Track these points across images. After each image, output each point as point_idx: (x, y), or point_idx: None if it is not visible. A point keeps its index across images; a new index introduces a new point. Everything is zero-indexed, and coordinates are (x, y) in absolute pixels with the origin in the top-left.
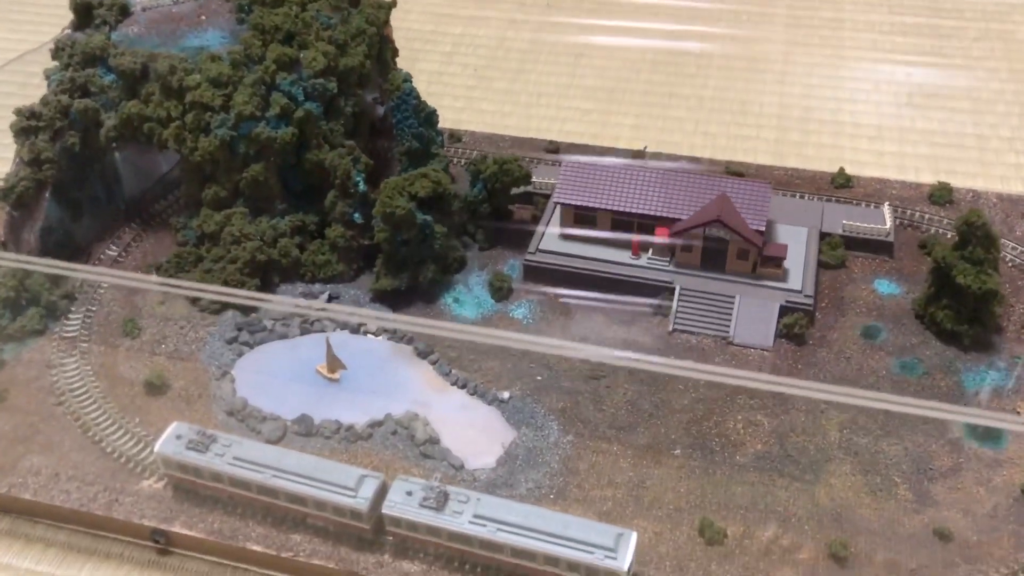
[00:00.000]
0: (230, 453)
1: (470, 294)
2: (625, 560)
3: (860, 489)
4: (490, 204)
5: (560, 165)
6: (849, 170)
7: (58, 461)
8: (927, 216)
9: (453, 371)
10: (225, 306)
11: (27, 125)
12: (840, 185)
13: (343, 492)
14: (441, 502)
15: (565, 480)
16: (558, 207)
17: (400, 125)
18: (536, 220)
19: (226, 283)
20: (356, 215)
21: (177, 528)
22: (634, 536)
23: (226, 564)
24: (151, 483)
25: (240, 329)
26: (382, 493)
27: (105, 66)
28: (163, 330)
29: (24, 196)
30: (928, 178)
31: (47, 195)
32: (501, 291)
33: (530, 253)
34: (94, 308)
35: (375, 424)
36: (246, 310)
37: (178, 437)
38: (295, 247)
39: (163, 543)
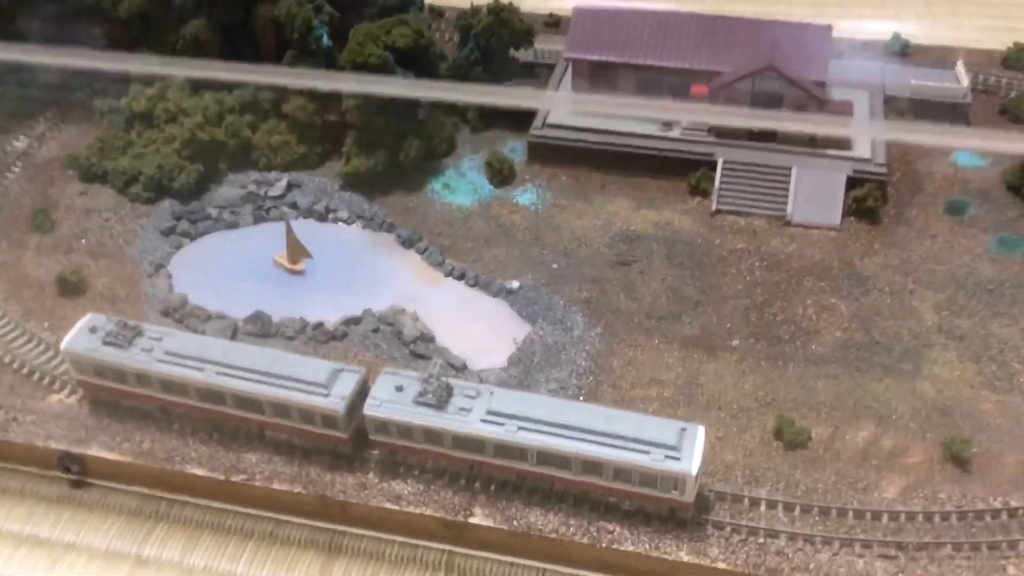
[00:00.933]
0: (160, 348)
1: (463, 179)
2: (692, 461)
3: (972, 379)
4: (484, 68)
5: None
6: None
7: None
8: (1004, 80)
9: (447, 261)
10: (160, 193)
11: None
12: (898, 52)
13: (312, 390)
14: (443, 398)
15: (596, 379)
16: (569, 67)
17: None
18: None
19: (160, 168)
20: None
21: (94, 451)
22: (701, 431)
23: (159, 496)
24: (60, 397)
25: (179, 218)
26: (363, 391)
27: None
28: (83, 223)
29: None
30: (995, 44)
31: None
32: (501, 174)
33: (535, 128)
34: None
35: (351, 321)
36: (186, 197)
37: (92, 331)
38: (246, 127)
39: (76, 472)
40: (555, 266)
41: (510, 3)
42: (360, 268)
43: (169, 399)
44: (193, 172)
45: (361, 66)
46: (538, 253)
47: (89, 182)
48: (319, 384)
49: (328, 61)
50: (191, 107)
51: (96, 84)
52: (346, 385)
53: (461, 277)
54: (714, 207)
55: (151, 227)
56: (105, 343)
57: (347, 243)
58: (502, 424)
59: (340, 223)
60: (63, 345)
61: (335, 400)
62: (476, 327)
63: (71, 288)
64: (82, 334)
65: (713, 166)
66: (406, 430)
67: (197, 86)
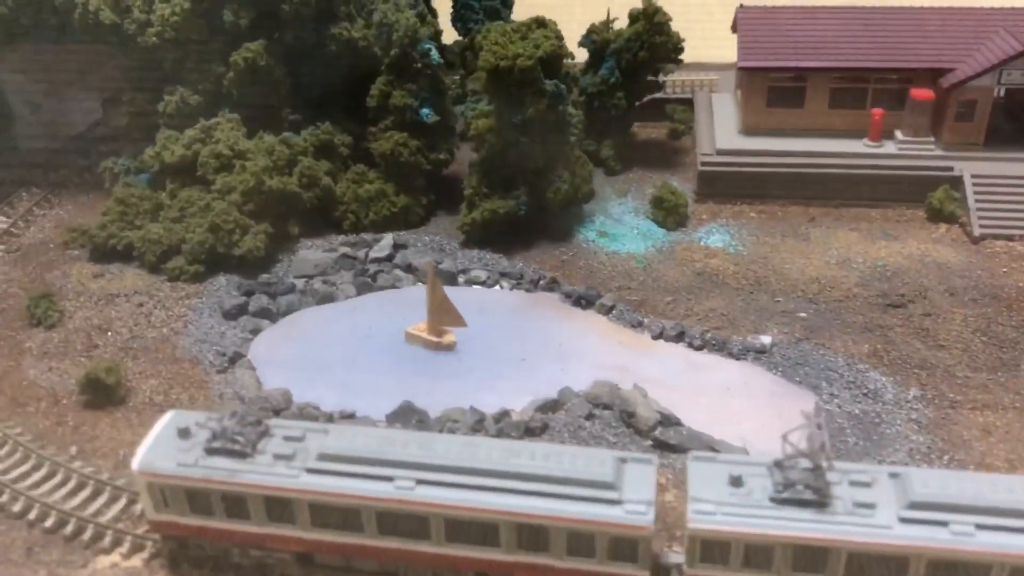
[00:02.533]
0: (309, 450)
1: (620, 225)
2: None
3: None
4: (625, 94)
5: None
6: None
7: None
8: None
9: (649, 319)
10: (213, 266)
11: None
12: None
13: (595, 495)
14: (821, 490)
15: (952, 458)
16: (741, 80)
17: None
18: (676, 137)
19: (214, 232)
20: (425, 111)
21: None
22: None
23: None
24: (115, 559)
25: (249, 294)
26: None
27: None
28: (105, 311)
29: None
30: None
31: None
32: (676, 213)
33: (705, 155)
34: None
35: (547, 407)
36: (251, 268)
37: (182, 435)
38: (323, 174)
39: None
40: (803, 315)
41: (659, 7)
42: (528, 337)
43: (333, 541)
44: (261, 234)
45: (503, 73)
46: (768, 302)
47: (106, 261)
48: (605, 485)
49: (434, 83)
50: (251, 150)
51: (87, 143)
52: (642, 484)
53: (679, 338)
54: (976, 231)
55: (208, 309)
56: (211, 451)
57: (498, 308)
58: None
59: (476, 285)
60: (137, 464)
61: (635, 509)
62: (731, 402)
63: (104, 395)
64: (166, 443)
65: (953, 183)
66: (763, 553)
67: (252, 126)
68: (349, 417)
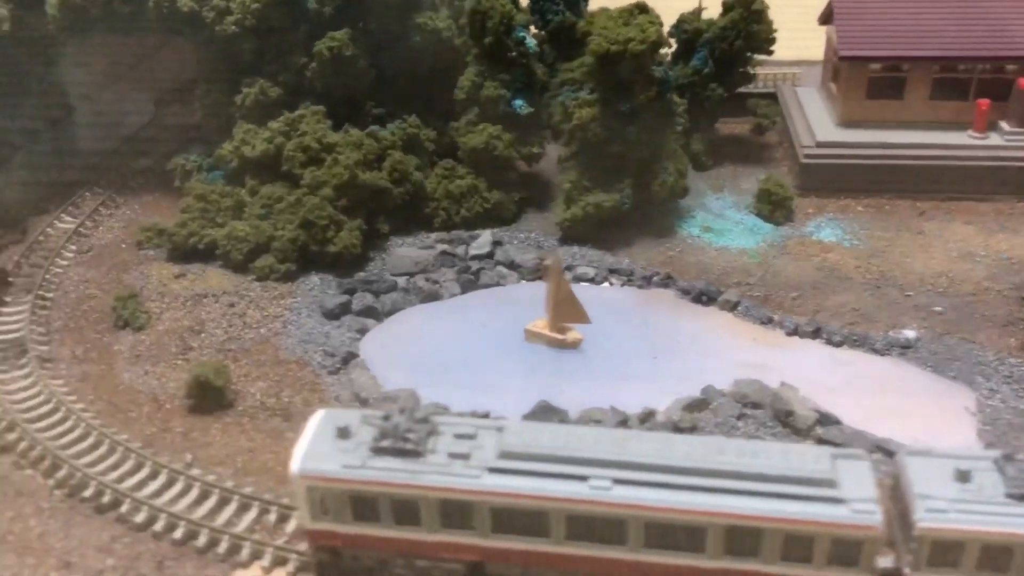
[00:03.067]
0: (488, 448)
1: (722, 220)
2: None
3: None
4: (719, 84)
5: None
6: None
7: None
8: None
9: (775, 315)
10: (305, 265)
11: None
12: None
13: (824, 495)
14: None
15: None
16: (837, 72)
17: None
18: (760, 132)
19: (307, 228)
20: (518, 102)
21: None
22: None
23: None
24: (258, 574)
25: (351, 292)
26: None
27: None
28: (194, 312)
29: None
30: None
31: None
32: (783, 207)
33: (806, 148)
34: (52, 287)
35: (694, 406)
36: (345, 266)
37: (342, 435)
38: (414, 169)
39: None
40: (938, 309)
41: None
42: (654, 334)
43: (513, 548)
44: (356, 230)
45: (614, 59)
46: (898, 296)
47: (185, 261)
48: (825, 482)
49: (527, 73)
50: (339, 143)
51: (143, 141)
52: (861, 481)
53: (815, 334)
54: None
55: (305, 309)
56: (378, 451)
57: (614, 305)
58: None
59: (584, 283)
60: (297, 467)
61: (862, 508)
62: (886, 399)
63: (212, 399)
64: (324, 444)
65: None
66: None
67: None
68: (483, 418)
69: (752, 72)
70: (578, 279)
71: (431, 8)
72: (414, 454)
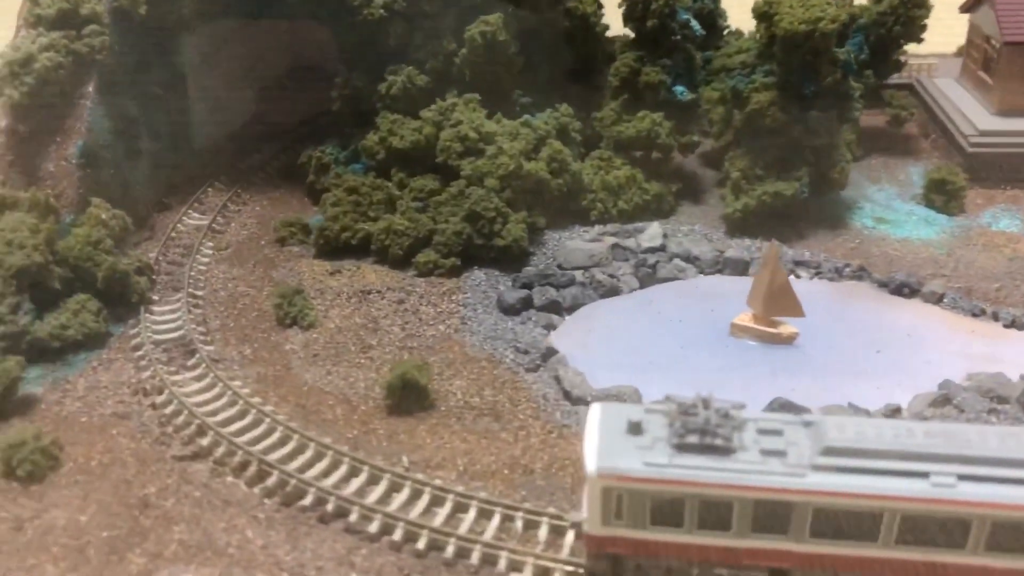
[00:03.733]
0: (804, 446)
1: (890, 210)
2: None
3: None
4: (873, 72)
5: None
6: None
7: None
8: None
9: (985, 306)
10: (469, 259)
11: None
12: None
13: None
14: None
15: None
16: (996, 59)
17: None
18: (899, 123)
19: (473, 221)
20: (679, 88)
21: None
22: None
23: None
24: None
25: (527, 287)
26: None
27: None
28: (363, 310)
29: (43, 94)
30: None
31: (88, 103)
32: (955, 196)
33: (971, 137)
34: (199, 285)
35: (937, 401)
36: (512, 261)
37: (633, 431)
38: (570, 159)
39: None
40: None
41: None
42: (865, 327)
43: (835, 553)
44: (522, 223)
45: (801, 39)
46: None
47: (335, 257)
48: None
49: (689, 60)
50: (498, 133)
51: (251, 134)
52: None
53: None
54: None
55: (480, 304)
56: (683, 448)
57: (811, 298)
58: None
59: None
60: (595, 465)
61: None
62: None
63: (413, 399)
64: (615, 441)
65: None
66: None
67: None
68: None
69: (903, 60)
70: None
71: None
72: (724, 451)
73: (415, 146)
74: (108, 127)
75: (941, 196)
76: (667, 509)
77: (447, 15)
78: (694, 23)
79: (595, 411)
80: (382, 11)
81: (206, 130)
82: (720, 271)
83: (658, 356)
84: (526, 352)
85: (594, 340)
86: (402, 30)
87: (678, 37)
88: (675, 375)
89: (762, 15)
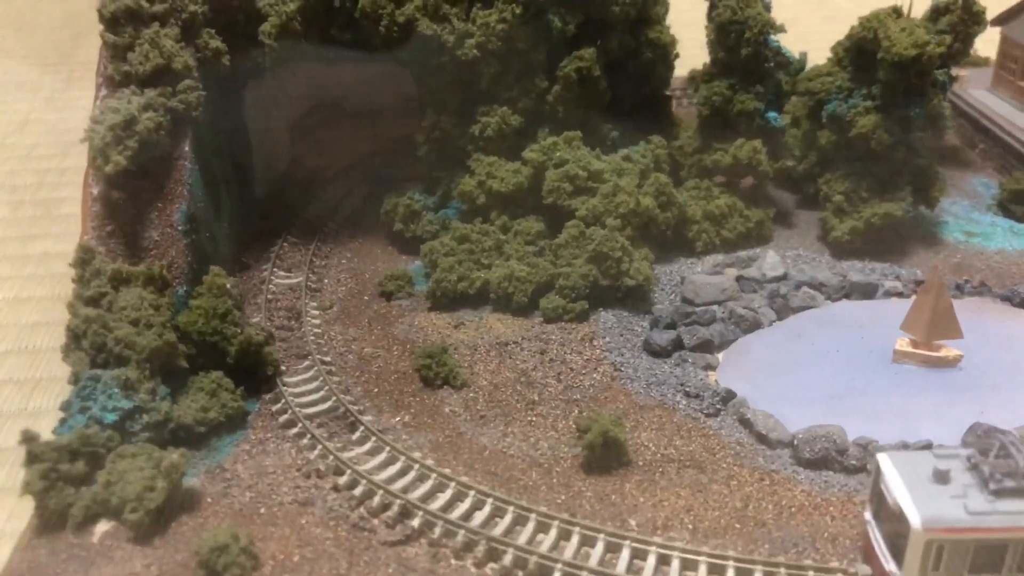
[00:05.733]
0: None
1: (972, 223)
2: None
3: None
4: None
5: None
6: None
7: None
8: None
9: None
10: (599, 302)
11: (129, 6)
12: None
13: None
14: None
15: None
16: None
17: None
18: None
19: (597, 260)
20: (773, 114)
21: None
22: None
23: None
24: None
25: (670, 327)
26: None
27: None
28: (508, 363)
29: (145, 157)
30: None
31: (188, 163)
32: None
33: None
34: (323, 350)
35: None
36: (636, 301)
37: (939, 479)
38: (673, 191)
39: None
40: None
41: None
42: (1011, 342)
43: None
44: (645, 260)
45: (910, 62)
46: None
47: (450, 308)
48: None
49: (778, 86)
50: (605, 170)
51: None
52: None
53: None
54: None
55: (626, 348)
56: (1000, 494)
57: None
58: None
59: (894, 296)
60: (918, 520)
61: None
62: None
63: (611, 454)
64: (924, 490)
65: None
66: None
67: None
68: (927, 447)
69: (957, 77)
70: (888, 294)
71: (658, 20)
72: None
73: (518, 188)
74: (202, 188)
75: (1021, 206)
76: (987, 557)
77: (538, 51)
78: (787, 49)
79: (886, 461)
80: (475, 51)
81: (264, 179)
82: (847, 296)
83: (834, 389)
84: (698, 396)
85: (762, 378)
86: (496, 70)
87: (771, 64)
88: (862, 408)
89: (859, 40)
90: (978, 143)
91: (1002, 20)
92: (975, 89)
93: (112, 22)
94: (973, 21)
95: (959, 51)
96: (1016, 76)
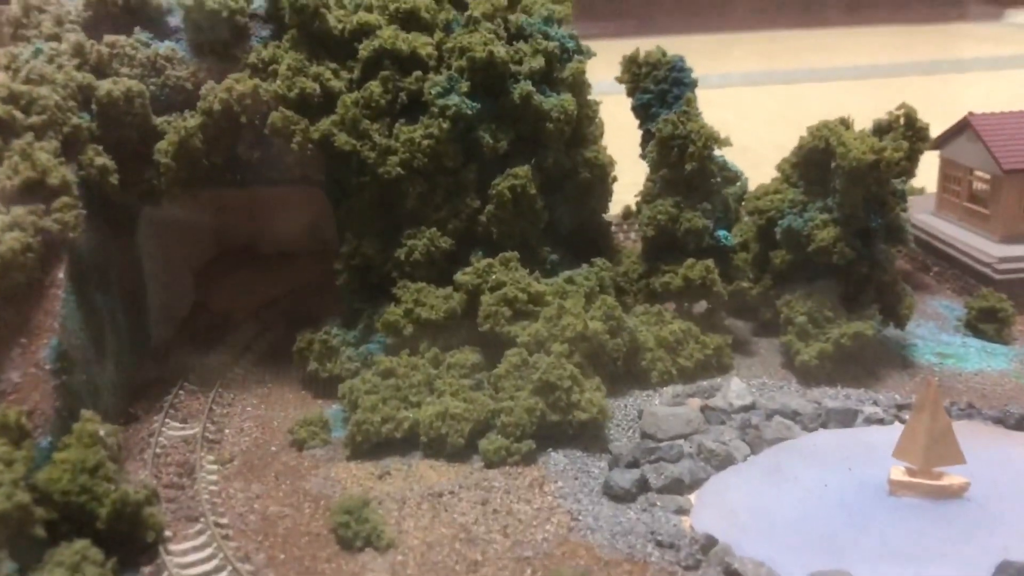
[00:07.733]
0: None
1: (942, 344)
2: None
3: None
4: None
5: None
6: None
7: None
8: None
9: None
10: (541, 438)
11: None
12: None
13: None
14: None
15: None
16: (995, 187)
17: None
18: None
19: (543, 392)
20: (722, 232)
21: None
22: None
23: None
24: None
25: (631, 466)
26: None
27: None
28: (442, 518)
29: (7, 285)
30: None
31: (61, 292)
32: (1006, 323)
33: (991, 264)
34: (218, 511)
35: None
36: (589, 435)
37: None
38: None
39: None
40: None
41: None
42: (1014, 467)
43: None
44: (598, 389)
45: (868, 170)
46: None
47: (373, 456)
48: None
49: (726, 205)
50: (547, 293)
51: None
52: None
53: None
54: None
55: (582, 493)
56: None
57: None
58: None
59: (874, 424)
60: None
61: None
62: None
63: None
64: None
65: None
66: None
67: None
68: None
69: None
70: (868, 421)
71: (593, 140)
72: None
73: (449, 316)
74: (79, 322)
75: (991, 325)
76: None
77: (469, 169)
78: (732, 164)
79: None
80: (399, 169)
81: (157, 321)
82: (824, 424)
83: (830, 530)
84: (672, 546)
85: (745, 521)
86: (421, 188)
87: (718, 179)
88: (867, 549)
89: (810, 151)
90: (931, 266)
91: (939, 144)
92: (919, 214)
93: None
94: (917, 137)
95: (905, 168)
96: (961, 197)
